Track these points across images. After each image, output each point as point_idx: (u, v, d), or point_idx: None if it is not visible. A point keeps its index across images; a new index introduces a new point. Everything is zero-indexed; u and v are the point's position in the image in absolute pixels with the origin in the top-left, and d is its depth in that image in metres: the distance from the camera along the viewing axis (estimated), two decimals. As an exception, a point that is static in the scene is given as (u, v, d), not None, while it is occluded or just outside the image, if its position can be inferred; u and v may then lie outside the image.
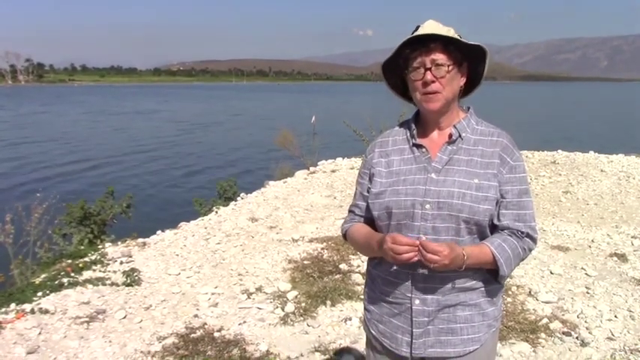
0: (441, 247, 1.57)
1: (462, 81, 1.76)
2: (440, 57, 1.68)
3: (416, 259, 1.60)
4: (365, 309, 1.99)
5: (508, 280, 4.75)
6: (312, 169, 11.01)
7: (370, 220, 1.90)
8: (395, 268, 1.76)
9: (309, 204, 7.96)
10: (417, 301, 1.75)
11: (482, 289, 1.78)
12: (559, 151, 11.18)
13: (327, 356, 3.67)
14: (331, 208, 7.69)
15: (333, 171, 10.38)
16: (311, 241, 6.11)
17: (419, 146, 1.78)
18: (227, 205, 8.49)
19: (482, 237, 1.74)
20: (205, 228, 6.88)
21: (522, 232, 1.73)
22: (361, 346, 3.71)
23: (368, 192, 1.87)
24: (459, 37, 1.71)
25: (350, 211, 2.00)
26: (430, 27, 1.70)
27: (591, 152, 10.91)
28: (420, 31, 1.69)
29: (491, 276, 1.77)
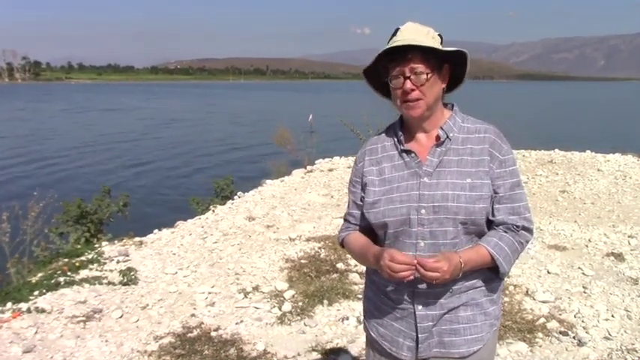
0: (439, 264, 1.58)
1: (444, 83, 1.76)
2: (419, 66, 1.66)
3: (412, 277, 1.61)
4: (364, 311, 1.98)
5: (505, 279, 4.75)
6: (309, 167, 11.00)
7: (366, 228, 1.90)
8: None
9: (306, 203, 7.95)
10: (420, 307, 1.74)
11: (484, 287, 1.78)
12: (556, 150, 11.18)
13: (325, 356, 3.67)
14: (328, 207, 7.68)
15: (331, 170, 10.37)
16: (308, 240, 6.10)
17: (408, 151, 1.77)
18: (224, 204, 8.47)
19: (480, 235, 1.75)
20: (202, 227, 6.87)
21: (517, 226, 1.74)
22: (358, 346, 3.71)
23: (361, 201, 1.86)
24: (438, 40, 1.71)
25: (345, 219, 1.99)
26: (409, 31, 1.68)
27: (588, 151, 10.91)
28: (399, 36, 1.67)
29: (492, 273, 1.77)
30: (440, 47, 1.69)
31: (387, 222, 1.74)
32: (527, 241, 1.79)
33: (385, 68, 1.72)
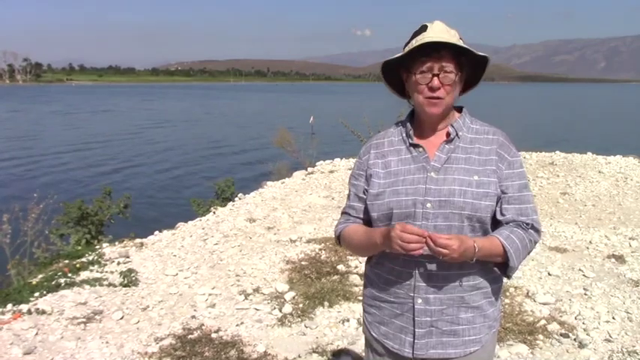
0: (450, 241, 1.56)
1: (461, 85, 1.78)
2: (449, 64, 1.68)
3: (421, 251, 1.60)
4: (364, 311, 1.98)
5: (506, 281, 4.75)
6: (310, 169, 11.00)
7: (366, 222, 1.89)
8: (399, 268, 1.76)
9: (307, 205, 7.95)
10: (420, 300, 1.75)
11: (485, 290, 1.78)
12: (557, 152, 11.19)
13: (325, 357, 3.67)
14: (329, 209, 7.68)
15: (331, 171, 10.38)
16: (309, 241, 6.10)
17: (416, 146, 1.79)
18: (225, 205, 8.48)
19: (485, 233, 1.75)
20: (203, 228, 6.87)
21: (527, 224, 1.74)
22: (359, 348, 3.70)
23: (364, 193, 1.86)
24: (463, 43, 1.72)
25: (344, 212, 1.98)
26: (440, 30, 1.69)
27: (589, 153, 10.92)
28: (430, 33, 1.68)
29: (499, 270, 1.78)
30: (472, 50, 1.70)
31: (392, 214, 1.74)
32: (536, 242, 1.79)
33: (411, 62, 1.72)
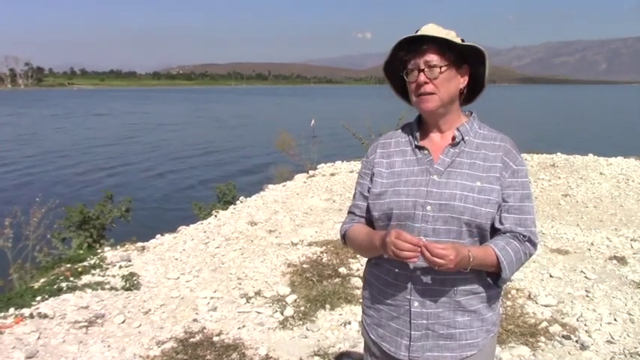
0: (447, 252, 1.55)
1: (463, 82, 1.76)
2: (433, 58, 1.68)
3: (416, 260, 1.59)
4: (364, 313, 1.98)
5: (508, 283, 4.75)
6: (311, 172, 11.01)
7: (371, 221, 1.89)
8: (396, 270, 1.76)
9: (308, 207, 7.96)
10: (416, 303, 1.74)
11: (482, 294, 1.77)
12: (558, 153, 11.19)
13: (327, 360, 3.67)
14: (330, 212, 7.68)
15: (333, 174, 10.38)
16: (310, 244, 6.10)
17: (421, 148, 1.78)
18: (226, 208, 8.48)
19: (483, 240, 1.74)
20: (204, 232, 6.87)
21: (524, 237, 1.73)
22: (360, 350, 3.69)
23: (368, 192, 1.86)
24: (455, 39, 1.71)
25: (350, 212, 1.98)
26: (427, 29, 1.70)
27: (590, 155, 10.91)
28: (418, 33, 1.70)
29: (491, 279, 1.76)
30: (454, 40, 1.69)
31: (392, 214, 1.74)
32: (531, 255, 1.78)
33: (401, 63, 1.74)
